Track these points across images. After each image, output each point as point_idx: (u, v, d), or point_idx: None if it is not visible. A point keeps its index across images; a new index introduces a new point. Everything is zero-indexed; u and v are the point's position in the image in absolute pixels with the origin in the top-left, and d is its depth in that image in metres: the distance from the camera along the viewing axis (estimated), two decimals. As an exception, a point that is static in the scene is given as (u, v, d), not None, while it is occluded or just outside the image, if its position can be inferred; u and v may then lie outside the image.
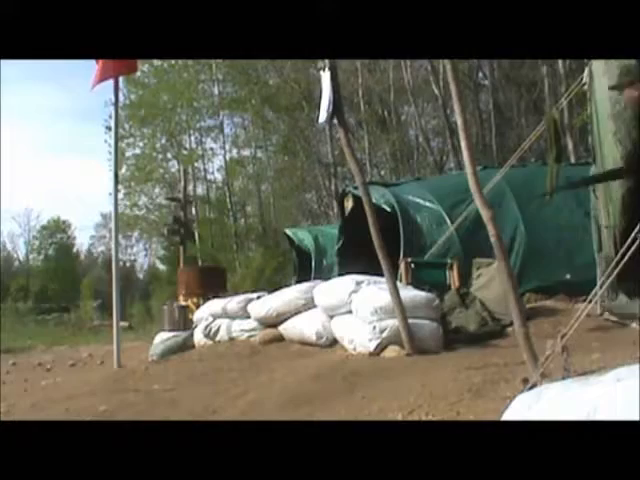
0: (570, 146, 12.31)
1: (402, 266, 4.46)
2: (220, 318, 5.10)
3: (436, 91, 16.10)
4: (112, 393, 3.69)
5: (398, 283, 3.63)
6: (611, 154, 3.39)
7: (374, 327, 3.41)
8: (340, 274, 4.51)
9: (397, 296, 3.34)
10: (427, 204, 5.52)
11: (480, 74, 18.07)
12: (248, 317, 4.81)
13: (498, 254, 2.26)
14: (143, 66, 18.27)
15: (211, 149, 22.21)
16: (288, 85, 19.06)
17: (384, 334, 3.38)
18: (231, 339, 4.91)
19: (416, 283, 4.02)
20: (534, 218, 5.23)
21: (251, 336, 4.73)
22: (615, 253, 2.80)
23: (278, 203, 21.44)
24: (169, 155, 21.75)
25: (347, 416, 2.32)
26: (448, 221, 5.22)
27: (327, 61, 3.81)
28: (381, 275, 3.50)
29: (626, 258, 1.95)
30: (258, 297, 4.81)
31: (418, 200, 5.59)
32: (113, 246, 4.95)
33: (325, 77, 3.87)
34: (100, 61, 4.72)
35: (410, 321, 3.34)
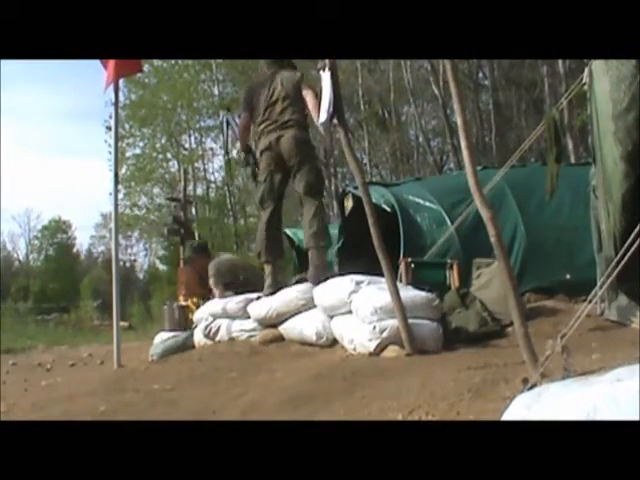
0: (570, 146, 12.34)
1: (402, 266, 4.46)
2: (220, 318, 5.09)
3: (436, 91, 16.10)
4: (112, 393, 3.69)
5: (398, 283, 3.63)
6: (611, 154, 3.39)
7: (374, 327, 3.41)
8: (340, 274, 4.50)
9: (397, 296, 3.34)
10: (427, 204, 5.52)
11: (480, 74, 18.08)
12: (248, 317, 4.80)
13: (498, 254, 2.26)
14: (143, 66, 18.27)
15: (211, 149, 22.22)
16: (288, 85, 19.00)
17: (384, 334, 3.38)
18: (231, 339, 4.90)
19: (416, 283, 4.02)
20: (534, 218, 5.23)
21: (251, 336, 4.72)
22: (615, 253, 2.81)
23: (278, 203, 21.36)
24: (169, 155, 21.74)
25: (347, 416, 2.32)
26: (448, 221, 5.21)
27: (327, 61, 3.81)
28: (381, 275, 3.50)
29: (626, 258, 1.95)
30: (258, 297, 4.80)
31: (418, 200, 5.59)
32: (113, 246, 4.95)
33: (325, 77, 3.86)
34: (110, 61, 4.72)
35: (410, 321, 3.34)
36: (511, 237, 5.08)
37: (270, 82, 4.73)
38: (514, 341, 2.33)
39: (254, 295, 4.94)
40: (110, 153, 20.05)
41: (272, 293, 4.56)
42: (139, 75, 18.76)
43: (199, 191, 21.82)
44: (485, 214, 2.25)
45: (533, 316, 3.91)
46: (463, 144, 2.38)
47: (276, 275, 4.80)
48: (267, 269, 4.79)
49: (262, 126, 4.68)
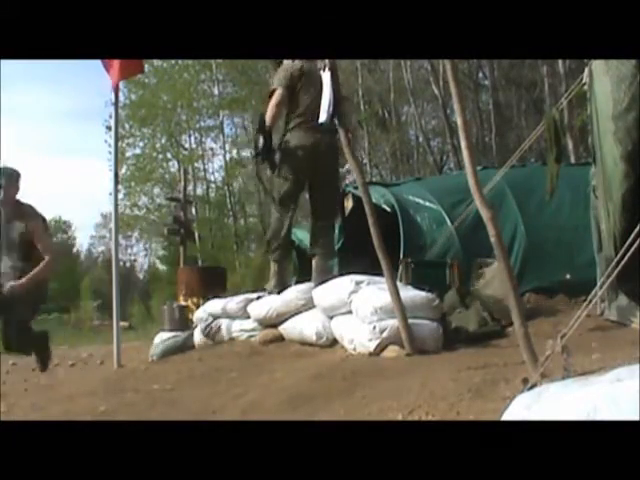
0: (570, 146, 12.34)
1: (402, 266, 4.46)
2: (220, 318, 5.10)
3: (436, 91, 16.12)
4: (112, 393, 3.69)
5: (398, 283, 3.63)
6: (611, 154, 3.39)
7: (374, 327, 3.41)
8: (340, 274, 4.50)
9: (397, 296, 3.34)
10: (427, 204, 5.51)
11: (480, 74, 18.09)
12: (248, 317, 4.81)
13: (498, 254, 2.26)
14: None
15: (211, 149, 22.24)
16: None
17: (384, 334, 3.38)
18: (231, 339, 4.91)
19: (416, 283, 4.02)
20: (534, 218, 5.23)
21: (251, 336, 4.73)
22: (615, 253, 2.81)
23: (278, 203, 21.42)
24: (169, 155, 21.74)
25: (347, 416, 2.32)
26: (448, 221, 5.21)
27: (327, 61, 3.81)
28: (381, 275, 3.50)
29: (626, 258, 1.95)
30: (258, 297, 4.80)
31: (418, 200, 5.59)
32: (113, 246, 4.95)
33: (325, 77, 3.87)
34: (113, 63, 4.71)
35: (410, 321, 3.34)
36: (511, 237, 5.08)
37: (320, 76, 4.35)
38: (514, 341, 2.33)
39: (254, 295, 4.94)
40: (110, 153, 20.06)
41: (279, 292, 4.54)
42: (139, 75, 18.78)
43: (199, 191, 21.83)
44: (485, 214, 2.25)
45: (533, 316, 3.91)
46: (463, 144, 2.38)
47: (283, 274, 4.76)
48: (274, 267, 4.74)
49: (303, 118, 4.41)
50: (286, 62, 4.47)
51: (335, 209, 4.67)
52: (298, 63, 4.45)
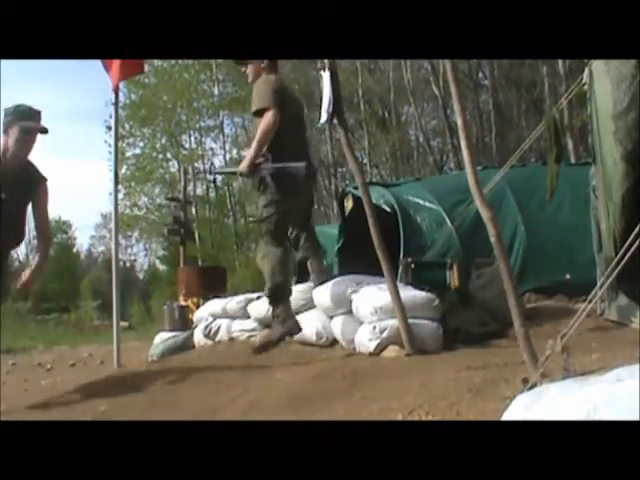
0: (570, 146, 12.34)
1: (402, 266, 4.46)
2: (220, 318, 5.10)
3: (436, 91, 16.14)
4: (112, 393, 3.69)
5: (398, 283, 3.63)
6: (611, 154, 3.39)
7: (374, 327, 3.41)
8: (340, 274, 4.50)
9: (397, 296, 3.34)
10: (427, 204, 5.52)
11: (480, 74, 18.09)
12: (248, 317, 4.81)
13: (498, 254, 2.26)
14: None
15: (211, 149, 22.25)
16: (288, 85, 19.10)
17: (384, 334, 3.39)
18: (231, 339, 4.91)
19: (416, 283, 4.02)
20: (534, 218, 5.24)
21: (251, 336, 4.73)
22: (615, 253, 2.81)
23: (278, 203, 21.45)
24: (169, 155, 21.76)
25: (347, 416, 2.32)
26: (448, 221, 5.22)
27: (327, 61, 3.80)
28: (381, 275, 3.50)
29: (626, 258, 1.95)
30: (258, 297, 4.80)
31: (418, 200, 5.59)
32: (113, 246, 4.95)
33: (325, 77, 3.86)
34: (114, 63, 4.70)
35: (410, 321, 3.34)
36: (511, 237, 5.08)
37: (297, 98, 4.16)
38: (514, 341, 2.33)
39: (254, 295, 4.94)
40: (110, 153, 20.09)
41: (292, 334, 4.02)
42: (139, 75, 18.78)
43: (199, 191, 21.85)
44: (485, 214, 2.25)
45: (533, 316, 3.91)
46: (463, 144, 2.38)
47: (289, 311, 4.04)
48: (280, 306, 4.01)
49: (295, 140, 4.05)
50: (264, 77, 4.01)
51: (311, 218, 4.49)
52: (278, 78, 4.13)
